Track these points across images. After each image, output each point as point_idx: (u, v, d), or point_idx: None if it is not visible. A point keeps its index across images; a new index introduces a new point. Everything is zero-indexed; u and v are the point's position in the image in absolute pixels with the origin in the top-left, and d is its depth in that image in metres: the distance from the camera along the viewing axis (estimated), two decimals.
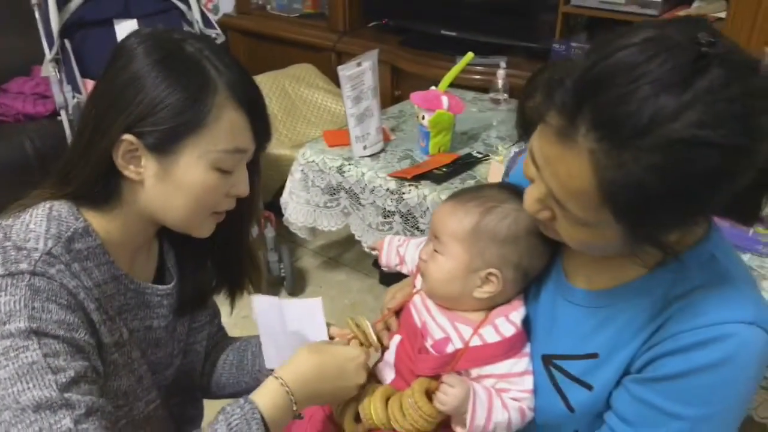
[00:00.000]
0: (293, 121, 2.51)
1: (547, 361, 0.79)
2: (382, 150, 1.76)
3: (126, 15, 1.99)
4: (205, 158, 0.76)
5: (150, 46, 0.75)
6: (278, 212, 1.94)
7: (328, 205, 1.76)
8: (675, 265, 0.70)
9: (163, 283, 0.90)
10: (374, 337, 0.87)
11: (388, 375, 0.87)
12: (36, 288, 0.70)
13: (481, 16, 2.45)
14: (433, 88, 1.72)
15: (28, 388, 0.65)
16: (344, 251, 2.59)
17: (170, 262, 0.93)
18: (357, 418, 0.85)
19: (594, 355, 0.75)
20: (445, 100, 1.66)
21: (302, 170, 1.78)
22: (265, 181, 2.24)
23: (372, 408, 0.81)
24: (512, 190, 0.83)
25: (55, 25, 1.86)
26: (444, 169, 1.63)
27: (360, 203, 1.70)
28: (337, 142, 1.79)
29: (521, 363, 0.80)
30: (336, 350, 0.82)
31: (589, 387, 0.75)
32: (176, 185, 0.77)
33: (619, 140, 0.56)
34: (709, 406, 0.68)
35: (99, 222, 0.79)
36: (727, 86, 0.55)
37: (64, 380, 0.67)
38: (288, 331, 0.87)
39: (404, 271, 1.00)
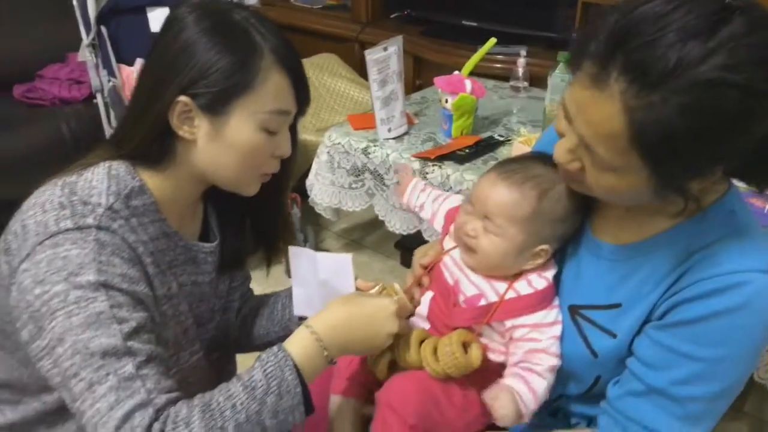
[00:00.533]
0: (317, 109, 2.56)
1: (574, 311, 0.83)
2: (406, 133, 1.79)
3: (159, 3, 2.06)
4: (253, 119, 0.81)
5: (200, 15, 0.80)
6: (304, 195, 1.99)
7: (353, 186, 1.80)
8: (697, 220, 0.74)
9: (208, 242, 0.96)
10: (406, 299, 0.90)
11: (423, 327, 0.91)
12: (102, 242, 0.75)
13: (502, 7, 2.49)
14: (456, 72, 1.76)
15: (96, 335, 0.71)
16: (366, 234, 2.63)
17: (213, 223, 0.99)
18: (390, 368, 0.90)
19: (617, 305, 0.79)
20: (468, 83, 1.70)
21: (328, 152, 1.82)
22: None
23: (405, 350, 0.85)
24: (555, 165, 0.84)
25: (92, 12, 1.94)
26: (467, 150, 1.67)
27: (384, 184, 1.74)
28: (362, 125, 1.83)
29: (552, 314, 0.84)
30: (366, 300, 0.85)
31: (613, 335, 0.80)
32: (227, 144, 0.82)
33: (648, 82, 0.61)
34: (724, 348, 0.72)
35: (153, 181, 0.85)
36: (748, 35, 0.59)
37: (127, 330, 0.72)
38: (319, 281, 0.92)
39: (422, 215, 1.03)
